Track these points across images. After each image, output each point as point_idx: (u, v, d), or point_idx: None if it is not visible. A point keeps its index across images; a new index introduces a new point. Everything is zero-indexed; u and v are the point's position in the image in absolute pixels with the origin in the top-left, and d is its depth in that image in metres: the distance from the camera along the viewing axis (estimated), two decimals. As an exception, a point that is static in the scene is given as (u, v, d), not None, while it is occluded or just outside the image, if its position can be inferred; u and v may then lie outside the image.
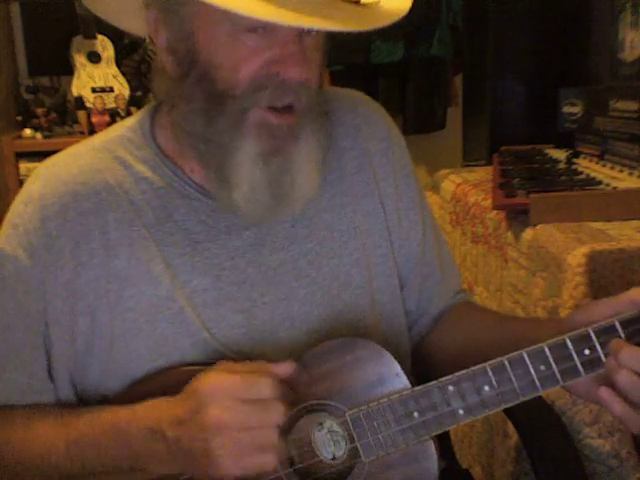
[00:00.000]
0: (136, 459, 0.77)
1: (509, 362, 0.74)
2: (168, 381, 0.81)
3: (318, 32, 0.79)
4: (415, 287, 0.98)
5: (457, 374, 0.75)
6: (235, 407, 0.71)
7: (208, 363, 0.81)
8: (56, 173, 0.85)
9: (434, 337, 1.00)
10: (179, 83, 0.80)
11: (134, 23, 0.90)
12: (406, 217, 0.96)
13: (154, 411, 0.76)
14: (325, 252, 0.89)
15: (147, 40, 0.85)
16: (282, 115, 0.78)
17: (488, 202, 1.51)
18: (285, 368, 0.76)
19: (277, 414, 0.72)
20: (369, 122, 0.96)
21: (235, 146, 0.79)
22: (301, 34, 0.77)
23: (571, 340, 0.72)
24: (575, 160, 1.71)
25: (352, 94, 1.00)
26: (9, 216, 0.86)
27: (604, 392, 0.72)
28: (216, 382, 0.73)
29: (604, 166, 1.59)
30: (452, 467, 1.09)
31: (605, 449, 1.03)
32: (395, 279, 0.95)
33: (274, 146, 0.79)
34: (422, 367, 0.97)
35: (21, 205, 0.85)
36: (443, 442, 1.14)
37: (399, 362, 0.79)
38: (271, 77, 0.77)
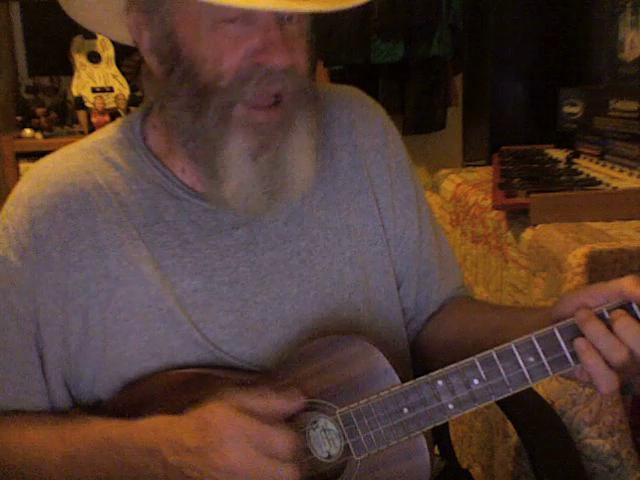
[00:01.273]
0: (129, 475, 0.77)
1: (497, 355, 0.72)
2: (161, 385, 0.81)
3: (300, 17, 0.79)
4: (412, 285, 0.97)
5: (446, 368, 0.74)
6: (252, 458, 0.71)
7: (200, 365, 0.82)
8: (46, 174, 0.85)
9: (429, 329, 0.99)
10: (165, 82, 0.80)
11: (116, 30, 0.90)
12: (402, 215, 0.95)
13: (153, 432, 0.75)
14: (318, 250, 0.89)
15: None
16: (268, 112, 0.78)
17: (488, 202, 1.51)
18: (294, 405, 0.76)
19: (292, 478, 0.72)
20: (364, 118, 0.95)
21: (223, 141, 0.78)
22: (281, 21, 0.76)
23: (560, 330, 0.71)
24: (575, 160, 1.71)
25: (348, 90, 0.99)
26: (0, 218, 0.86)
27: (581, 342, 0.70)
28: (231, 422, 0.72)
29: (604, 166, 1.59)
30: (452, 467, 1.09)
31: (605, 449, 1.03)
32: (391, 277, 0.94)
33: (262, 142, 0.79)
34: (421, 362, 0.97)
35: (11, 207, 0.85)
36: (443, 442, 1.14)
37: (396, 360, 0.79)
38: (256, 67, 0.76)
